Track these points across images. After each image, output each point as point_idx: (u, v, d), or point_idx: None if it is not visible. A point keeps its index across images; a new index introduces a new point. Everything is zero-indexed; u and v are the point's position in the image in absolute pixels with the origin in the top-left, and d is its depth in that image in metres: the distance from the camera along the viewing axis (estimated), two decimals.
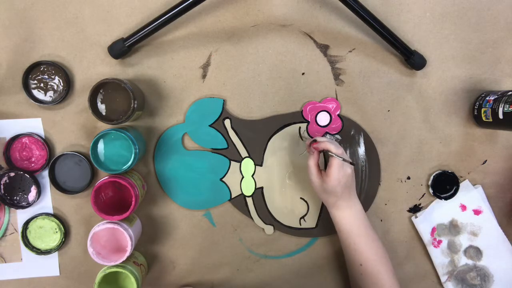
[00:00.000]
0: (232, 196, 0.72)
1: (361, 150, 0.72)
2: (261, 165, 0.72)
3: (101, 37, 0.68)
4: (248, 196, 0.72)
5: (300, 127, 0.71)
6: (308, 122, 0.71)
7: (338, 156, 0.62)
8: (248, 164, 0.72)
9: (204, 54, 0.69)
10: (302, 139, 0.71)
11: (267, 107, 0.71)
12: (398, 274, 0.75)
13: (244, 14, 0.69)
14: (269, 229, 0.73)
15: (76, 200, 0.70)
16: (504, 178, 0.74)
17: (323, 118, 0.71)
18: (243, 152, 0.72)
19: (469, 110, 0.72)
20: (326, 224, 0.73)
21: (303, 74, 0.70)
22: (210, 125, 0.71)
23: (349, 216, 0.65)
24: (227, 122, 0.71)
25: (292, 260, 0.74)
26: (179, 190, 0.71)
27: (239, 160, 0.72)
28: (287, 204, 0.73)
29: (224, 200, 0.72)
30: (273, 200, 0.73)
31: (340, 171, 0.62)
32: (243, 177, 0.72)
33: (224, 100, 0.70)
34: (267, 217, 0.73)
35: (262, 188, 0.72)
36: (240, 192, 0.72)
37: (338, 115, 0.71)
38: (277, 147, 0.72)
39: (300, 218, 0.73)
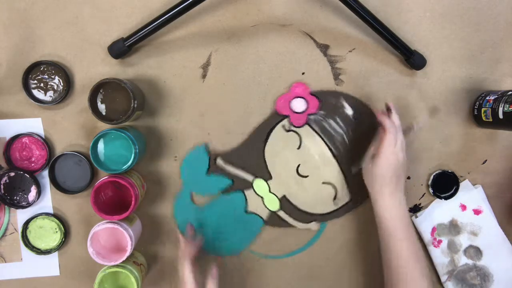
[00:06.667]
0: (265, 219, 0.72)
1: (349, 111, 0.71)
2: (271, 178, 0.72)
3: (101, 37, 0.68)
4: (278, 210, 0.72)
5: (284, 123, 0.70)
6: (287, 116, 0.70)
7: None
8: (260, 185, 0.72)
9: (204, 54, 0.69)
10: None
11: (267, 107, 0.71)
12: None
13: (244, 14, 0.69)
14: (314, 225, 0.73)
15: (76, 200, 0.70)
16: (504, 178, 0.74)
17: (298, 105, 0.70)
18: (249, 177, 0.72)
19: (469, 110, 0.72)
20: (357, 191, 0.72)
21: (303, 74, 0.70)
22: (206, 174, 0.71)
23: (392, 207, 0.62)
24: (219, 161, 0.71)
25: (292, 260, 0.74)
26: (213, 242, 0.72)
27: (250, 185, 0.72)
28: (314, 195, 0.72)
29: (259, 227, 0.72)
30: (300, 199, 0.72)
31: (391, 155, 0.60)
32: (262, 197, 0.72)
33: (205, 144, 0.71)
34: (305, 216, 0.73)
35: (284, 196, 0.72)
36: (269, 211, 0.72)
37: (311, 93, 0.70)
38: (275, 154, 0.71)
39: (333, 200, 0.72)
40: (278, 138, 0.71)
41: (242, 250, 0.73)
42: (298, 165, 0.72)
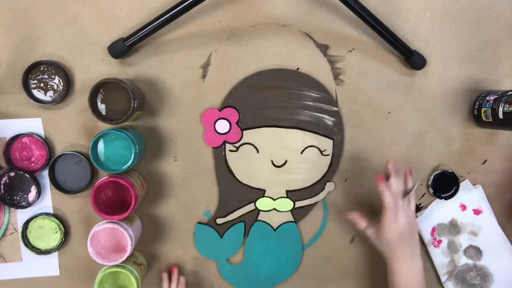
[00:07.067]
0: (294, 220, 0.73)
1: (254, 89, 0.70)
2: (265, 190, 0.72)
3: (101, 37, 0.68)
4: (294, 205, 0.73)
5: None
6: (225, 142, 0.71)
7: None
8: (263, 203, 0.72)
9: (204, 54, 0.69)
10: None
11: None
12: None
13: (244, 14, 0.69)
14: (330, 186, 0.73)
15: (76, 200, 0.70)
16: (504, 178, 0.74)
17: (222, 126, 0.70)
18: (250, 207, 0.73)
19: (469, 110, 0.72)
20: (331, 128, 0.71)
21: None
22: (221, 238, 0.72)
23: (404, 271, 0.62)
24: (219, 220, 0.72)
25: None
26: (274, 276, 0.74)
27: (257, 211, 0.73)
28: (307, 167, 0.72)
29: (295, 230, 0.73)
30: (301, 180, 0.72)
31: (393, 223, 0.61)
32: (275, 209, 0.73)
33: (198, 223, 0.72)
34: (317, 187, 0.73)
35: (287, 190, 0.72)
36: (290, 212, 0.73)
37: (220, 108, 0.70)
38: (247, 173, 0.72)
39: (322, 154, 0.72)
40: (238, 160, 0.71)
41: (302, 257, 0.74)
42: (272, 162, 0.72)
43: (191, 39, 0.69)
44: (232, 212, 0.72)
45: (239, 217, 0.73)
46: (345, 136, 0.72)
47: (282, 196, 0.73)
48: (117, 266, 0.63)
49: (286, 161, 0.72)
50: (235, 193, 0.72)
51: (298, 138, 0.71)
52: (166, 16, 0.63)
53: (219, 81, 0.70)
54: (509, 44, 0.71)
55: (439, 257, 0.74)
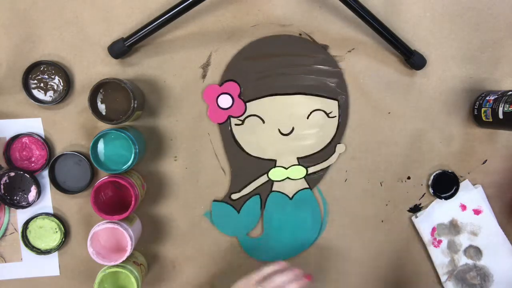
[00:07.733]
0: (308, 186, 0.73)
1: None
2: (276, 160, 0.72)
3: (101, 37, 0.68)
4: (307, 171, 0.72)
5: None
6: (229, 117, 0.70)
7: None
8: (276, 173, 0.72)
9: (204, 54, 0.69)
10: None
11: None
12: (398, 274, 0.75)
13: (244, 14, 0.69)
14: (340, 147, 0.72)
15: (76, 200, 0.70)
16: (504, 178, 0.74)
17: (224, 101, 0.69)
18: (264, 179, 0.72)
19: (469, 110, 0.72)
20: (334, 89, 0.71)
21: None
22: (239, 213, 0.72)
23: None
24: (234, 196, 0.72)
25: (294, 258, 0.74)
26: (300, 245, 0.74)
27: (271, 182, 0.72)
28: (315, 131, 0.71)
29: (311, 196, 0.73)
30: (310, 145, 0.72)
31: None
32: (288, 178, 0.72)
33: (214, 200, 0.72)
34: (327, 150, 0.72)
35: (298, 158, 0.72)
36: (303, 179, 0.72)
37: (221, 83, 0.69)
38: (256, 145, 0.71)
39: (328, 116, 0.71)
40: (244, 133, 0.71)
41: (321, 224, 0.73)
42: (279, 130, 0.71)
43: (191, 39, 0.69)
44: (246, 186, 0.72)
45: (253, 190, 0.72)
46: (350, 97, 0.71)
47: (294, 164, 0.72)
48: (117, 266, 0.63)
49: (293, 128, 0.71)
50: (247, 166, 0.72)
51: (302, 103, 0.70)
52: (166, 16, 0.63)
53: (219, 81, 0.70)
54: (509, 44, 0.71)
55: (439, 257, 0.74)
